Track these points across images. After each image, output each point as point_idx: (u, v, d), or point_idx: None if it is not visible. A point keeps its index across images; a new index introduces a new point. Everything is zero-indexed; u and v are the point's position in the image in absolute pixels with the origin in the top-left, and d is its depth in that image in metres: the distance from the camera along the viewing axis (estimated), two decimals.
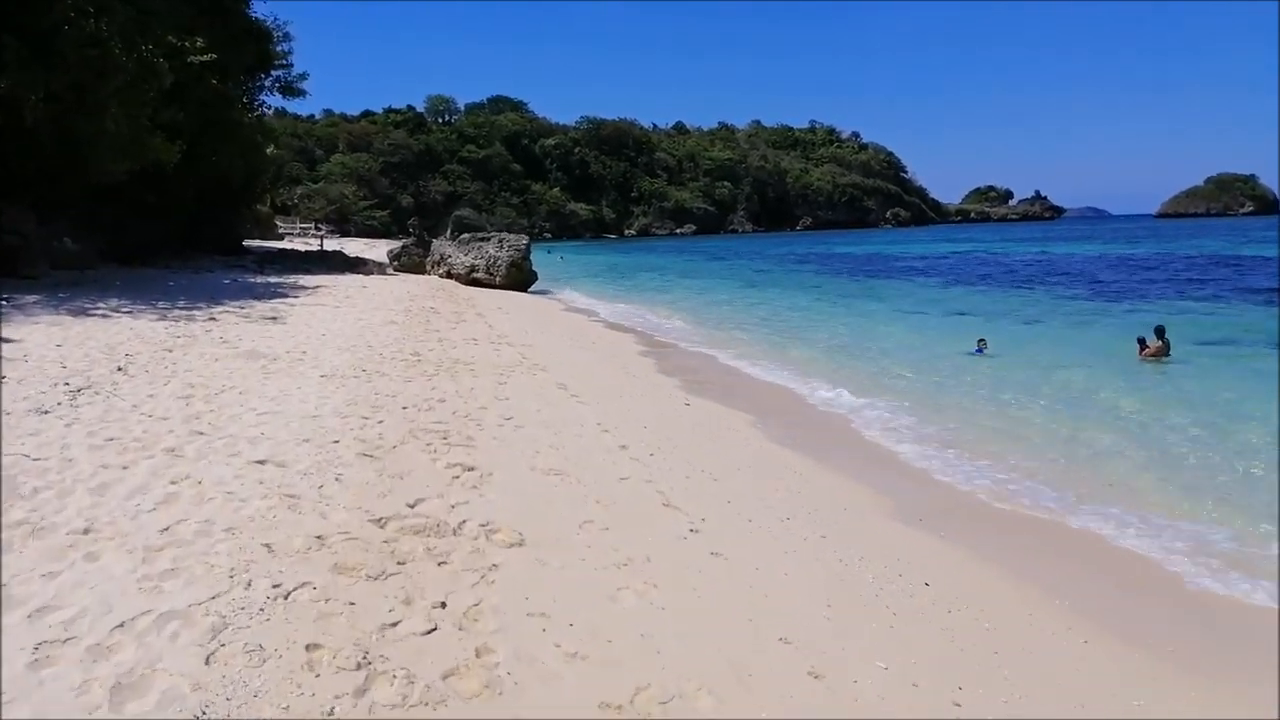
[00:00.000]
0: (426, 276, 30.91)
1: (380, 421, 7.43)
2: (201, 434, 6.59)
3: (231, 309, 15.42)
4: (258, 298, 17.83)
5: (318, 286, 21.79)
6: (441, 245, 32.23)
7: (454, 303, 21.00)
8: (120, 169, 19.02)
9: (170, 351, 10.31)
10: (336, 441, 6.64)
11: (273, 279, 23.30)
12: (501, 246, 29.76)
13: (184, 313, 14.32)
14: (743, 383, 12.39)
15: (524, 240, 30.36)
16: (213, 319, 13.74)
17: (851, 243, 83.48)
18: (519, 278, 29.48)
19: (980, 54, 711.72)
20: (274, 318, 14.59)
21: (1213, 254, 45.71)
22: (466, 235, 31.54)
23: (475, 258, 29.63)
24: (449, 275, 30.41)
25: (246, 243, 38.40)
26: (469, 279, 29.32)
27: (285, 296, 18.65)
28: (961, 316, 20.98)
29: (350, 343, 12.25)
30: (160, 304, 15.37)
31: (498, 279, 29.05)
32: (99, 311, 13.52)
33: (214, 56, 24.19)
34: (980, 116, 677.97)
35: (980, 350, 14.31)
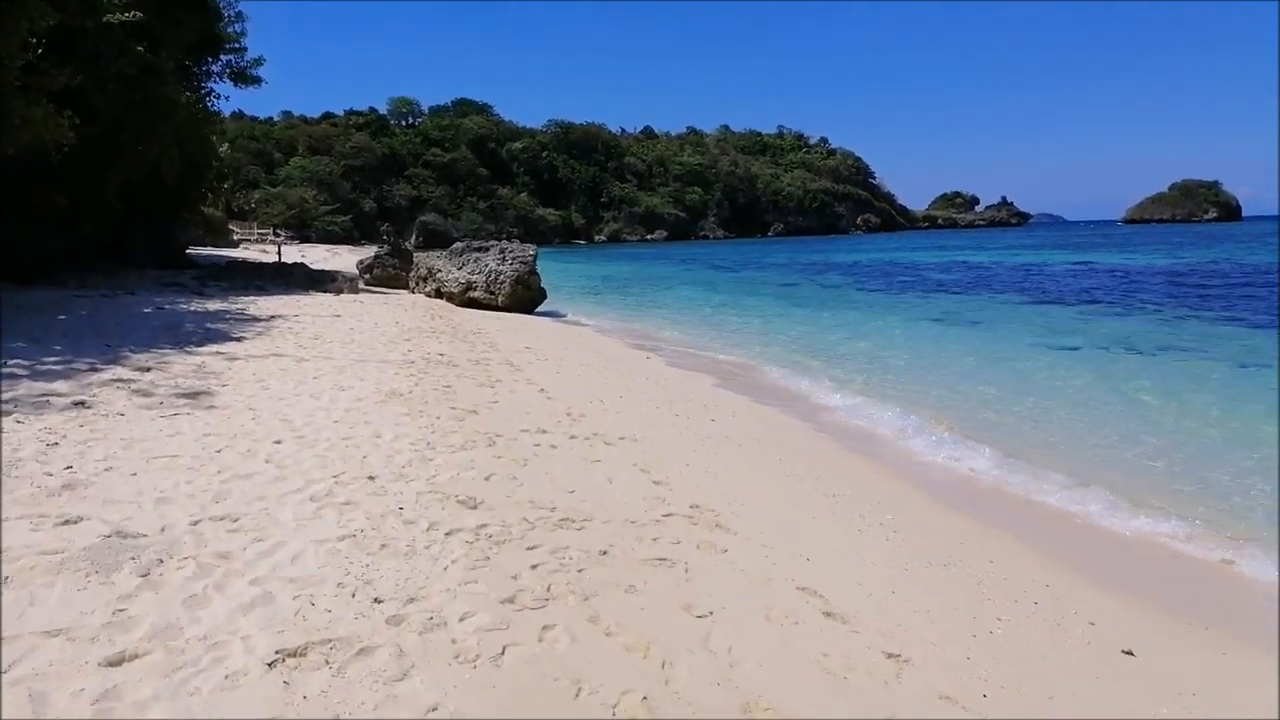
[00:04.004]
0: (411, 295, 25.04)
1: None
2: None
3: (130, 372, 9.48)
4: (180, 344, 11.86)
5: (273, 318, 15.86)
6: (429, 258, 26.34)
7: (463, 340, 15.21)
8: None
9: None
10: None
11: (213, 305, 17.31)
12: (504, 259, 24.04)
13: (42, 384, 8.39)
14: (1084, 541, 6.65)
15: (531, 251, 24.60)
16: (81, 404, 7.76)
17: (844, 250, 79.01)
18: (526, 297, 23.81)
19: (946, 60, 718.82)
20: (196, 394, 8.66)
21: None
22: (459, 245, 25.65)
23: (472, 273, 23.87)
24: (438, 294, 24.58)
25: (194, 250, 32.58)
26: (464, 298, 23.58)
27: (224, 339, 12.72)
28: (1144, 356, 15.62)
29: (333, 464, 6.43)
30: (16, 359, 9.47)
31: (500, 299, 23.36)
32: None
33: (138, 15, 18.58)
34: (941, 122, 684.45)
35: None
